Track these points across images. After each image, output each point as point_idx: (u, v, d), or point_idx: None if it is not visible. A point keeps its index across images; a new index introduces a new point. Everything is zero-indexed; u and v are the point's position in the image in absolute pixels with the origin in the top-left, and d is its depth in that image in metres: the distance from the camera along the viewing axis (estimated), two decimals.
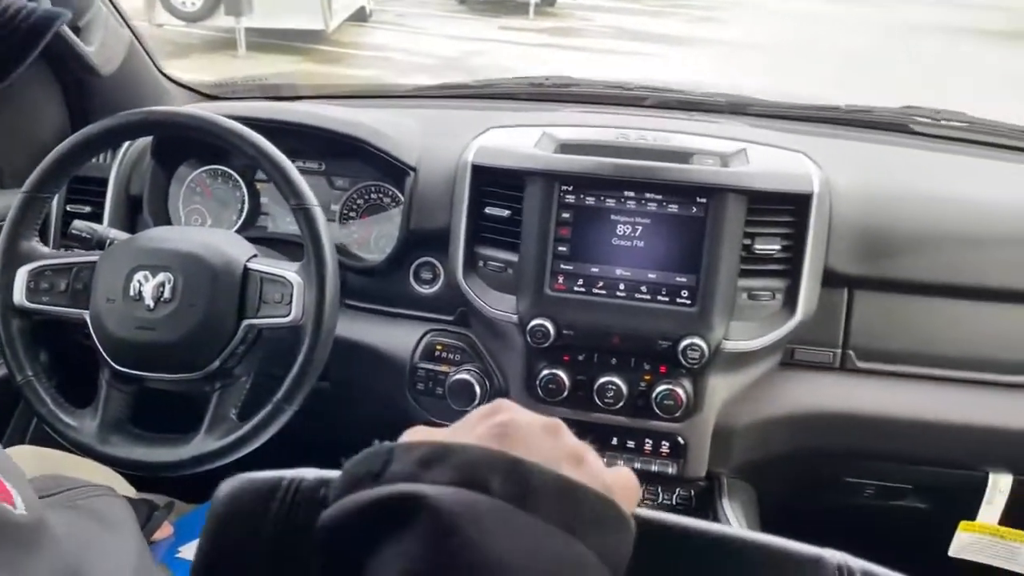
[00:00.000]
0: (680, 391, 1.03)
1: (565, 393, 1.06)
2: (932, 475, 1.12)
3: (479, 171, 1.08)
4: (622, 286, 1.04)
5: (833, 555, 0.38)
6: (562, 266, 1.05)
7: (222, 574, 0.37)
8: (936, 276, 1.06)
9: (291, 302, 0.96)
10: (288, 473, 0.38)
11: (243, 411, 1.00)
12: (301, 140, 1.19)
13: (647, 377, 1.05)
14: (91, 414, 1.01)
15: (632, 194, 1.03)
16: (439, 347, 1.14)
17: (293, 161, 1.01)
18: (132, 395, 1.02)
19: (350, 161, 1.21)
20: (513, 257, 1.07)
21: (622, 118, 1.24)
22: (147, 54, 1.36)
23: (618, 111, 1.33)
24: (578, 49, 7.44)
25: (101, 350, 0.99)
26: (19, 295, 1.00)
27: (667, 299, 1.03)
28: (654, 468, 1.07)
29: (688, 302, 1.02)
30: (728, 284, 1.01)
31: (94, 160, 1.22)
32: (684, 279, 1.02)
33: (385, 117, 1.25)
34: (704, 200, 1.01)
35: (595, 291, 1.05)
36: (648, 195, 1.02)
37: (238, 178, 1.26)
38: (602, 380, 1.04)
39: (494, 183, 1.08)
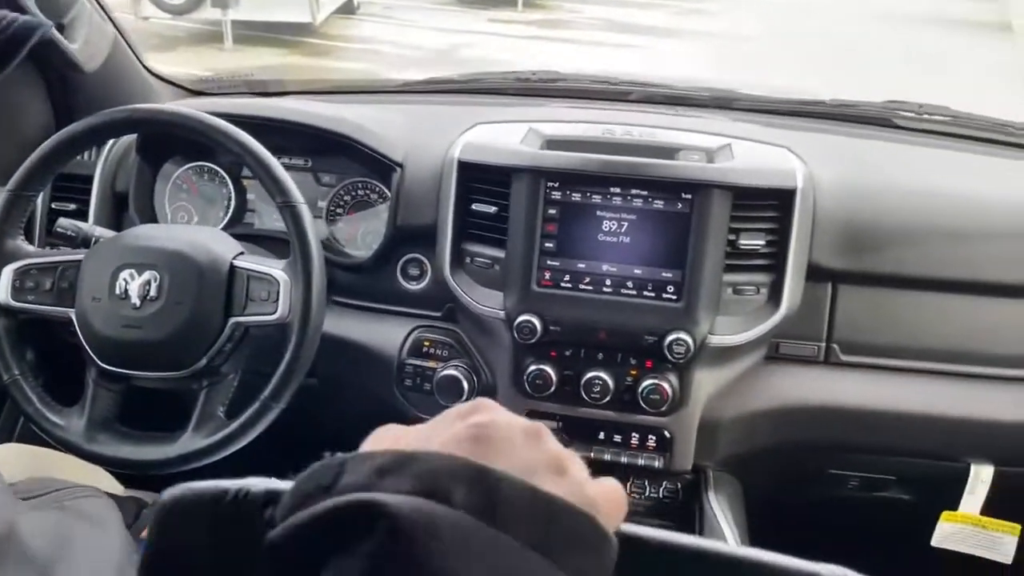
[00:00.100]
0: (666, 385, 1.04)
1: (552, 388, 1.06)
2: (915, 466, 1.14)
3: (465, 167, 1.08)
4: (608, 282, 1.05)
5: (832, 572, 0.36)
6: (549, 262, 1.05)
7: None
8: (919, 270, 1.07)
9: (278, 299, 0.96)
10: (233, 483, 0.36)
11: (231, 409, 1.00)
12: (287, 137, 1.19)
13: (633, 372, 1.05)
14: (78, 413, 1.01)
15: (618, 190, 1.03)
16: (427, 343, 1.15)
17: (279, 158, 1.01)
18: (119, 393, 1.02)
19: (337, 157, 1.21)
20: (500, 253, 1.08)
21: (608, 113, 1.25)
22: (132, 50, 1.35)
23: (605, 106, 1.33)
24: (567, 41, 7.42)
25: (87, 349, 0.99)
26: (4, 294, 1.00)
27: (653, 294, 1.04)
28: (640, 462, 1.08)
29: (674, 297, 1.03)
30: (713, 279, 1.02)
31: (79, 157, 1.22)
32: (670, 274, 1.03)
33: (372, 113, 1.25)
34: (689, 196, 1.02)
35: (581, 287, 1.05)
36: (634, 191, 1.03)
37: (224, 175, 1.26)
38: (589, 375, 1.05)
39: (481, 179, 1.08)
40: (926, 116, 1.30)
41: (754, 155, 1.06)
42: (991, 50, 6.91)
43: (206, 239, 1.01)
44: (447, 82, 1.47)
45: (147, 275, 0.96)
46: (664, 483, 1.14)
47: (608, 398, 1.05)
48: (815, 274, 1.06)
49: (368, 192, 1.23)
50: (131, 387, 1.03)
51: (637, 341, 1.04)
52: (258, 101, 1.36)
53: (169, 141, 1.24)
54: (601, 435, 1.09)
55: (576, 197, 1.04)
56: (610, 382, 1.05)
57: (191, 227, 1.23)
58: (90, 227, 1.08)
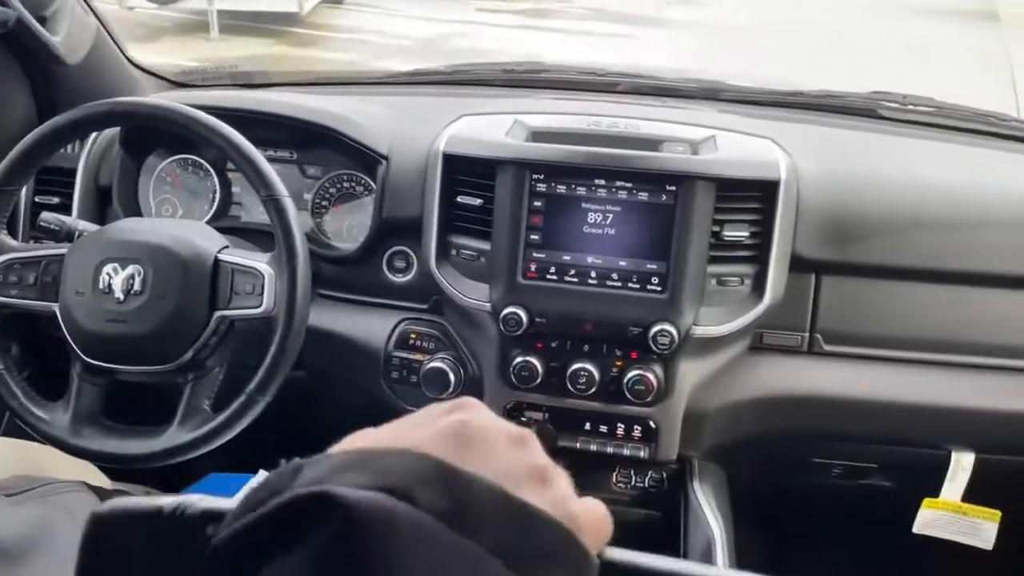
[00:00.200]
0: (651, 376, 1.04)
1: (538, 380, 1.07)
2: (897, 454, 1.15)
3: (450, 160, 1.08)
4: (593, 274, 1.05)
5: None
6: (534, 254, 1.06)
7: None
8: (902, 260, 1.08)
9: (262, 293, 0.96)
10: (170, 500, 0.33)
11: (217, 402, 1.00)
12: (272, 129, 1.19)
13: (619, 363, 1.06)
14: (63, 407, 1.01)
15: (603, 182, 1.04)
16: (413, 335, 1.15)
17: (264, 150, 1.01)
18: (104, 387, 1.02)
19: (322, 150, 1.21)
20: (485, 246, 1.08)
21: (594, 104, 1.25)
22: (114, 42, 1.34)
23: (590, 97, 1.33)
24: (556, 31, 7.40)
25: (72, 343, 0.99)
26: None
27: (638, 286, 1.04)
28: (626, 452, 1.08)
29: (658, 289, 1.04)
30: (697, 271, 1.02)
31: (62, 151, 1.21)
32: (654, 266, 1.04)
33: (357, 105, 1.24)
34: (674, 188, 1.02)
35: (567, 279, 1.06)
36: (619, 183, 1.03)
37: (209, 168, 1.25)
38: (575, 366, 1.06)
39: (466, 172, 1.08)
40: (910, 107, 1.31)
41: (738, 147, 1.07)
42: (978, 39, 6.93)
43: (190, 233, 1.01)
44: (433, 73, 1.47)
45: (131, 269, 0.96)
46: (649, 473, 1.14)
47: (594, 389, 1.06)
48: (798, 265, 1.07)
49: (353, 184, 1.23)
50: (116, 381, 1.02)
51: (622, 332, 1.04)
52: (242, 93, 1.35)
53: (153, 134, 1.23)
54: (587, 426, 1.09)
55: (561, 189, 1.05)
56: (596, 373, 1.05)
57: (175, 221, 1.22)
58: (73, 221, 1.08)
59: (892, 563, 1.30)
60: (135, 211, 1.24)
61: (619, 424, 1.08)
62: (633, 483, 1.15)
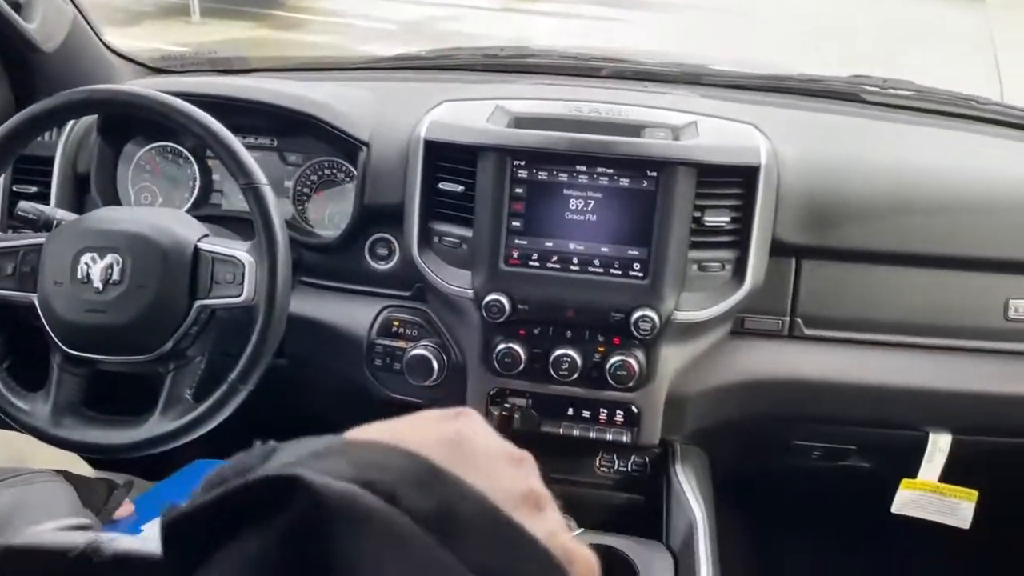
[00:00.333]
0: (633, 361, 1.05)
1: (521, 366, 1.07)
2: (876, 436, 1.16)
3: (432, 146, 1.08)
4: (575, 260, 1.05)
5: None
6: (516, 241, 1.06)
7: None
8: (881, 244, 1.09)
9: (243, 282, 0.96)
10: (82, 539, 0.31)
11: (198, 391, 1.00)
12: (251, 116, 1.18)
13: (601, 349, 1.06)
14: (43, 398, 1.00)
15: (584, 168, 1.04)
16: (396, 323, 1.15)
17: (244, 138, 1.00)
18: (84, 378, 1.01)
19: (302, 137, 1.20)
20: (467, 232, 1.08)
21: (577, 90, 1.24)
22: (91, 28, 1.33)
23: (573, 82, 1.33)
24: (544, 14, 7.34)
25: (51, 333, 0.98)
26: None
27: (619, 272, 1.04)
28: (609, 437, 1.09)
29: (640, 275, 1.04)
30: (678, 256, 1.03)
31: (40, 139, 1.19)
32: (636, 252, 1.04)
33: (337, 91, 1.23)
34: (655, 174, 1.02)
35: (549, 265, 1.06)
36: (600, 169, 1.03)
37: (189, 155, 1.24)
38: (557, 353, 1.06)
39: (447, 158, 1.08)
40: (891, 90, 1.31)
41: (719, 132, 1.07)
42: (962, 21, 6.94)
43: (169, 221, 1.00)
44: (414, 59, 1.46)
45: (109, 258, 0.95)
46: (632, 457, 1.15)
47: (576, 375, 1.06)
48: (779, 249, 1.07)
49: (335, 171, 1.22)
50: (96, 371, 1.02)
51: (604, 318, 1.04)
52: (221, 80, 1.34)
53: (131, 122, 1.22)
54: (570, 411, 1.10)
55: (543, 175, 1.04)
56: (578, 359, 1.06)
57: (154, 209, 1.21)
58: (51, 210, 1.07)
59: (871, 543, 1.32)
60: (113, 199, 1.23)
61: (602, 409, 1.09)
62: (616, 467, 1.16)
